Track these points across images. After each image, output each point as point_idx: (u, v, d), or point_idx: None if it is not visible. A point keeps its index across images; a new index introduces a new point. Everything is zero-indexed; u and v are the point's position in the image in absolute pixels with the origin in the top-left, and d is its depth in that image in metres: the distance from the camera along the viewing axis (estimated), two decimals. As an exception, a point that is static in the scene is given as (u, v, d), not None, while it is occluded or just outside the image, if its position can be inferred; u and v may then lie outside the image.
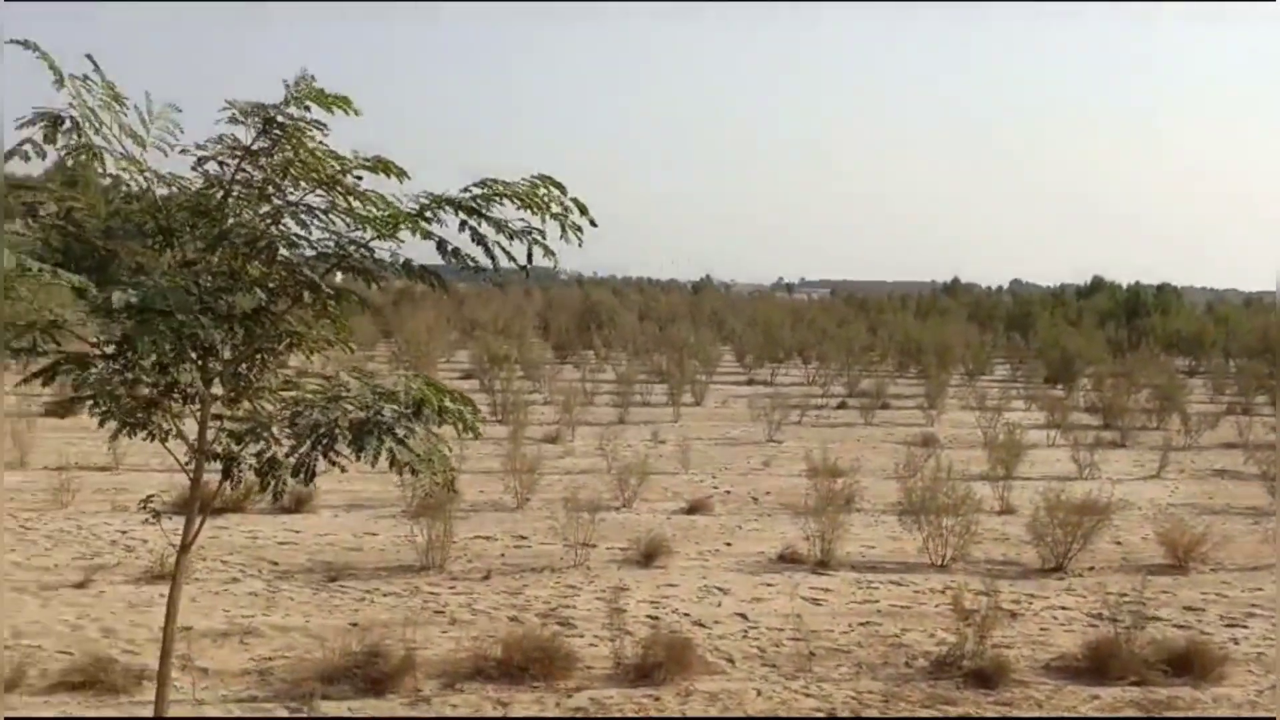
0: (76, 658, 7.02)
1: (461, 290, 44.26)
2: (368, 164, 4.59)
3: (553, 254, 4.82)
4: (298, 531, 10.82)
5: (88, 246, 4.61)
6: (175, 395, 4.59)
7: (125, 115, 4.53)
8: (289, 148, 4.52)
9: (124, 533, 10.55)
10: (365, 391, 4.41)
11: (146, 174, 4.54)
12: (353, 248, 4.71)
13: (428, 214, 4.61)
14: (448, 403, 4.54)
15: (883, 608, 8.92)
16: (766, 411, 18.50)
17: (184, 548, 4.90)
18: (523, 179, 4.69)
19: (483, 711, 6.60)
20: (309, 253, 4.80)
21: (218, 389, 4.66)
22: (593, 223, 4.83)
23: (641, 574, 9.69)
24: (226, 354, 4.53)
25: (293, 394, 4.69)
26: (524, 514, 11.93)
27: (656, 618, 8.41)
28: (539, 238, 4.75)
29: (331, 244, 4.72)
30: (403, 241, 4.68)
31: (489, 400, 19.79)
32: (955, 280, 70.14)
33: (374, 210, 4.58)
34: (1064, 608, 9.08)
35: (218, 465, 4.72)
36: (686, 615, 8.56)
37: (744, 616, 8.58)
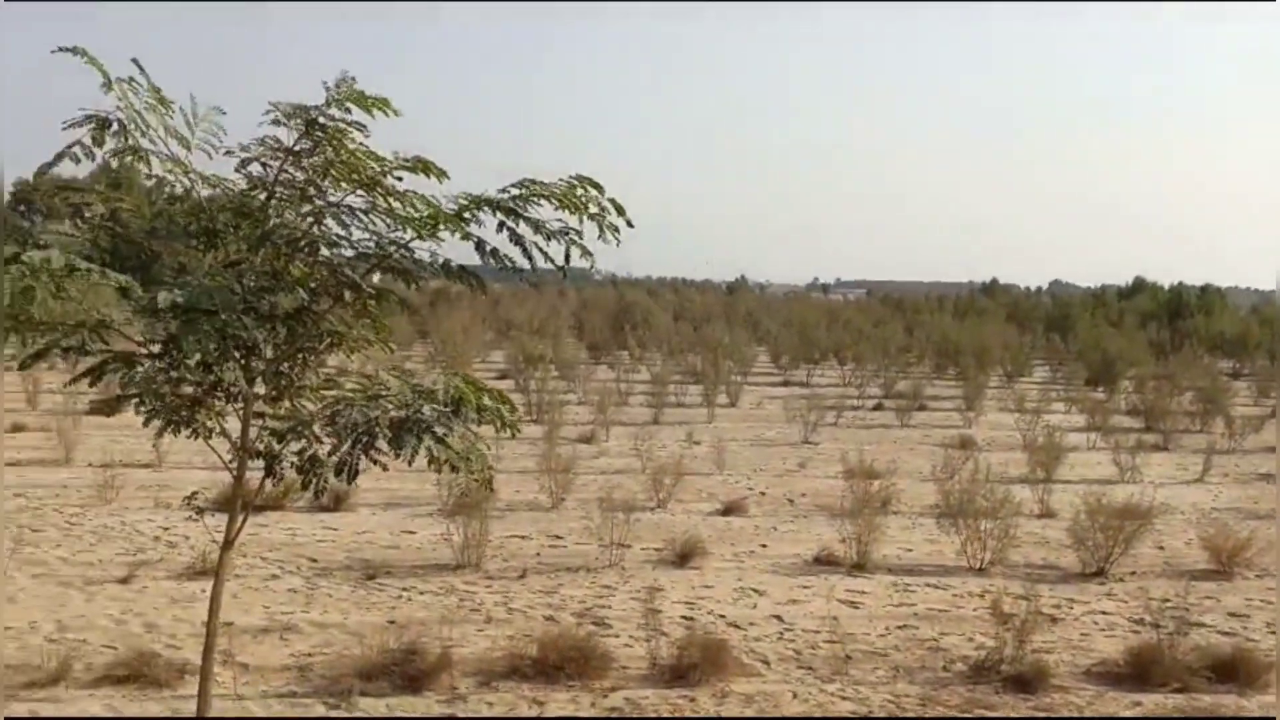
0: (121, 652, 7.13)
1: (496, 290, 44.44)
2: (407, 165, 4.62)
3: (590, 254, 4.83)
4: (335, 529, 10.92)
5: (133, 247, 4.68)
6: (219, 394, 4.66)
7: (171, 117, 4.60)
8: (330, 149, 4.57)
9: (166, 529, 10.71)
10: (405, 390, 4.44)
11: (191, 175, 4.60)
12: (393, 248, 4.76)
13: (466, 214, 4.64)
14: (486, 400, 4.56)
15: (920, 611, 8.85)
16: (802, 413, 18.41)
17: (227, 544, 4.96)
18: (560, 179, 4.70)
19: (518, 710, 6.63)
20: (349, 253, 4.85)
21: (260, 388, 4.72)
22: (629, 223, 4.83)
23: (677, 575, 9.69)
24: (269, 353, 4.58)
25: (333, 393, 4.73)
26: (559, 514, 11.97)
27: (692, 619, 8.40)
28: (576, 238, 4.77)
29: (372, 244, 4.77)
30: (442, 241, 4.72)
31: (524, 400, 19.86)
32: (993, 281, 69.42)
33: (414, 211, 4.61)
34: (1105, 613, 8.96)
35: (260, 463, 4.77)
36: (722, 616, 8.54)
37: (780, 618, 8.55)
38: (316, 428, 4.47)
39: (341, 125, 4.55)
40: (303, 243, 4.67)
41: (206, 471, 12.33)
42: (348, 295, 4.77)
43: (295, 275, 4.66)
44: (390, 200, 4.65)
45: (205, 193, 4.67)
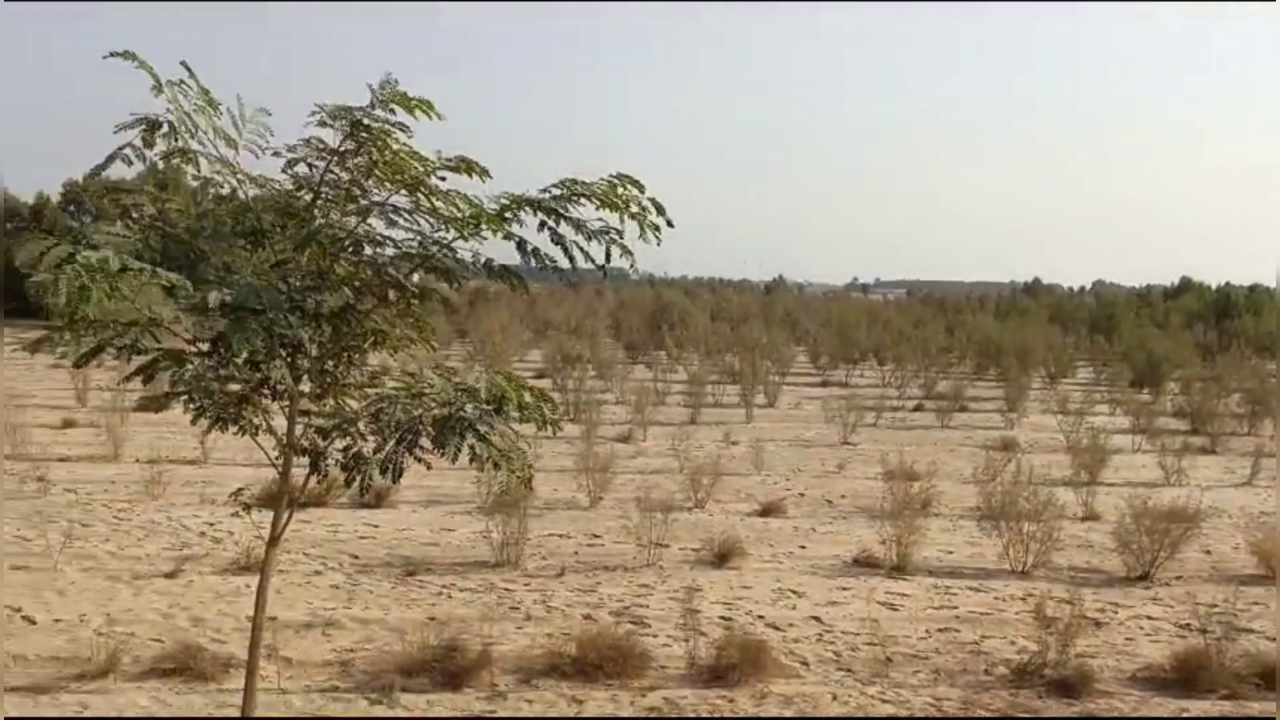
0: (167, 645, 7.25)
1: (533, 290, 44.65)
2: (451, 165, 4.65)
3: (630, 253, 4.83)
4: (376, 526, 11.03)
5: (182, 246, 4.76)
6: (265, 391, 4.72)
7: (218, 119, 4.67)
8: (374, 150, 4.61)
9: (211, 524, 10.87)
10: (448, 388, 4.47)
11: (239, 176, 4.67)
12: (435, 247, 4.79)
13: (508, 214, 4.66)
14: (527, 398, 4.58)
15: (961, 614, 8.76)
16: (841, 413, 18.32)
17: (273, 540, 5.02)
18: (601, 179, 4.70)
19: (558, 708, 6.65)
20: (391, 252, 4.89)
21: (305, 385, 4.77)
22: (670, 222, 4.82)
23: (715, 575, 9.67)
24: (314, 351, 4.64)
25: (376, 390, 4.78)
26: (597, 512, 12.00)
27: (730, 619, 8.39)
28: (617, 237, 4.77)
29: (415, 244, 4.81)
30: (484, 240, 4.75)
31: (562, 399, 19.90)
32: (1036, 281, 68.64)
33: (457, 210, 4.64)
34: (1150, 617, 8.83)
35: (304, 460, 4.83)
36: (760, 617, 8.52)
37: (819, 620, 8.51)
38: (361, 425, 4.52)
39: (386, 126, 4.59)
40: (347, 242, 4.72)
41: (250, 469, 12.51)
42: (392, 294, 4.81)
43: (340, 274, 4.72)
44: (434, 200, 4.69)
45: (253, 192, 4.73)
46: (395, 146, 4.62)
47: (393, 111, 4.60)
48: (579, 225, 4.72)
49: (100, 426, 15.00)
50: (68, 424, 16.67)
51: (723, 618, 8.42)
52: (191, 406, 4.62)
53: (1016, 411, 21.85)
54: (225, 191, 4.82)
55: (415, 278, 4.93)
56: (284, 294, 4.45)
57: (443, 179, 4.71)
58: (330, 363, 4.77)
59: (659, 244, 4.84)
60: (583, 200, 4.71)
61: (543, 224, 4.70)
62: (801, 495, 13.47)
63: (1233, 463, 16.63)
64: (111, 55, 4.38)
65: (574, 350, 25.91)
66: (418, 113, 4.66)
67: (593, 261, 4.79)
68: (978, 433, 19.38)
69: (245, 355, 4.28)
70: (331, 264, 4.71)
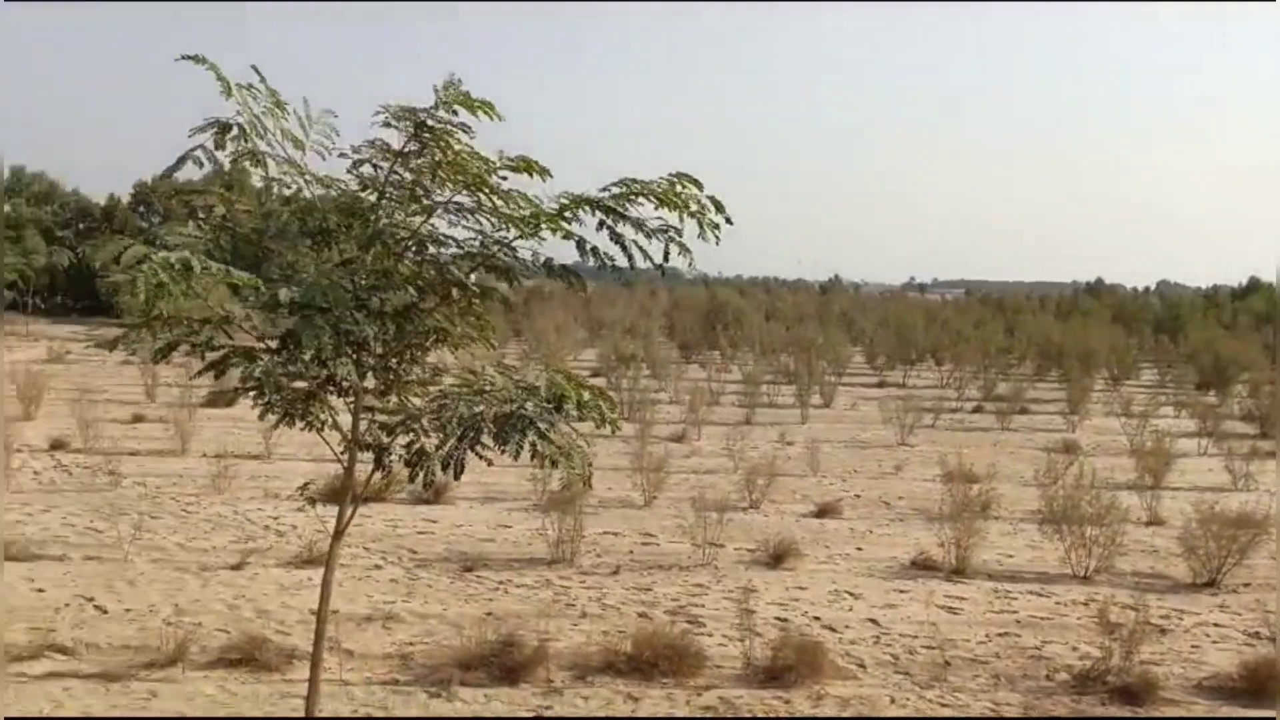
0: (233, 636, 7.42)
1: (589, 289, 44.77)
2: (512, 164, 4.70)
3: (689, 252, 4.83)
4: (435, 521, 11.16)
5: (250, 246, 4.87)
6: (331, 387, 4.81)
7: (286, 121, 4.77)
8: (438, 150, 4.68)
9: (275, 518, 11.10)
10: (509, 385, 4.52)
11: (306, 176, 4.77)
12: (496, 247, 4.84)
13: (567, 214, 4.69)
14: (585, 395, 4.62)
15: (1022, 618, 8.64)
16: (898, 414, 18.13)
17: (337, 534, 5.12)
18: (661, 177, 4.72)
19: (614, 705, 6.69)
20: (453, 251, 4.96)
21: (370, 382, 4.86)
22: (729, 220, 4.81)
23: (770, 575, 9.64)
24: (378, 349, 4.72)
25: (438, 388, 4.85)
26: (651, 512, 12.02)
27: (786, 620, 8.36)
28: (676, 236, 4.77)
29: (476, 243, 4.87)
30: (544, 240, 4.79)
31: (616, 399, 19.94)
32: (1098, 280, 67.31)
33: (518, 210, 4.69)
34: (1217, 624, 8.63)
35: (368, 455, 4.92)
36: (816, 619, 8.48)
37: (875, 622, 8.44)
38: (424, 421, 4.59)
39: (448, 127, 4.65)
40: (411, 242, 4.80)
41: (312, 464, 12.75)
42: (454, 293, 4.88)
43: (404, 273, 4.79)
44: (495, 199, 4.74)
45: (319, 192, 4.83)
46: (457, 147, 4.68)
47: (455, 113, 4.66)
48: (638, 224, 4.74)
49: (168, 422, 15.38)
50: (137, 419, 17.11)
51: (778, 618, 8.39)
52: (260, 402, 4.73)
53: (1078, 414, 21.46)
54: (290, 191, 4.92)
55: (474, 277, 4.99)
56: (349, 292, 4.54)
57: (504, 178, 4.76)
58: (394, 360, 4.85)
59: (718, 242, 4.83)
60: (641, 199, 4.72)
61: (601, 223, 4.72)
62: (858, 497, 13.37)
63: (1305, 468, 16.16)
64: (183, 58, 4.50)
65: (628, 349, 25.99)
66: (479, 113, 4.72)
67: (651, 260, 4.80)
68: (1038, 435, 19.07)
69: (313, 351, 4.37)
70: (395, 263, 4.79)
